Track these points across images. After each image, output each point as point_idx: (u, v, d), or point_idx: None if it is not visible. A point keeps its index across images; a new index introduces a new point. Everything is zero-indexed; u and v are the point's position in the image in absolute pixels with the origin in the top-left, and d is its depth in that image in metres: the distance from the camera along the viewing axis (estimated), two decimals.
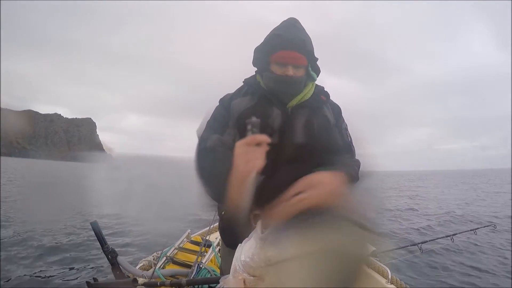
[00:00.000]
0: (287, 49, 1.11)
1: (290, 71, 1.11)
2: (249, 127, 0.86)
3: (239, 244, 0.87)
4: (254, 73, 1.26)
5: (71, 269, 4.62)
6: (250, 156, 0.85)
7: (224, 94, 1.26)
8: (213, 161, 1.03)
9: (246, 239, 0.88)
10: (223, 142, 1.10)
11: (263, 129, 0.91)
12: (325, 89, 1.26)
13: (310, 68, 1.17)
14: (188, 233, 3.23)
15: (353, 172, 1.07)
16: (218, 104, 1.24)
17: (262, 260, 0.78)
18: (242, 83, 1.27)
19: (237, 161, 0.86)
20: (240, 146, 0.87)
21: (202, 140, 1.13)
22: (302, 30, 1.16)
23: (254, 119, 0.86)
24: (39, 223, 7.03)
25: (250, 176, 0.84)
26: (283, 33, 1.12)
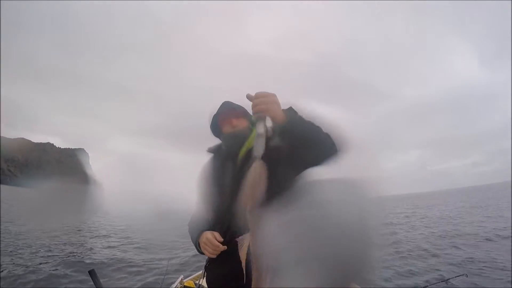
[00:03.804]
0: (221, 115, 1.47)
1: (232, 123, 1.42)
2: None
3: None
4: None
5: None
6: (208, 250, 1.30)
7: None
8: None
9: None
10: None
11: (220, 182, 1.31)
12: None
13: (248, 115, 1.46)
14: (181, 279, 3.31)
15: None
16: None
17: None
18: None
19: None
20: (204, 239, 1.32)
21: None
22: (229, 101, 1.50)
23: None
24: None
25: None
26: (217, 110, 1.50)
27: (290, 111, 1.11)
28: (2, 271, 6.08)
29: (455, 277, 3.70)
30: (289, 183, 1.09)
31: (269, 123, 1.06)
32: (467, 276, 3.78)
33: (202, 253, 1.37)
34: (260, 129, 1.02)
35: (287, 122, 1.06)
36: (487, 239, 10.15)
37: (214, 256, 1.29)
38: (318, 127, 1.14)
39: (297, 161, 1.16)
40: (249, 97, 1.07)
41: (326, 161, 1.17)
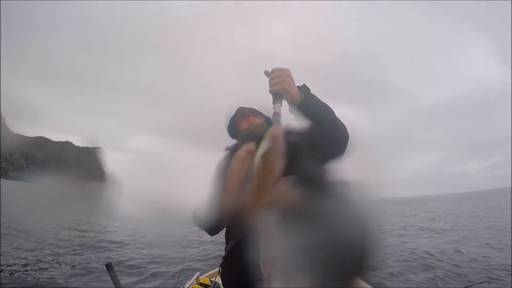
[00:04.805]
0: (237, 114, 1.46)
1: (249, 119, 1.43)
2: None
3: None
4: None
5: None
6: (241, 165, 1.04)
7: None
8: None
9: None
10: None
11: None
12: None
13: (264, 116, 1.46)
14: (197, 275, 3.32)
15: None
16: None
17: None
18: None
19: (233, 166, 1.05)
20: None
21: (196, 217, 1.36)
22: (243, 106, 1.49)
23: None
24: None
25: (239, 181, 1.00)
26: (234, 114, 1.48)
27: (304, 87, 1.19)
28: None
29: (478, 283, 3.56)
30: (308, 175, 1.10)
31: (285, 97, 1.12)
32: (489, 283, 3.63)
33: (213, 227, 1.31)
34: (277, 98, 1.08)
35: (303, 98, 1.14)
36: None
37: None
38: (330, 108, 1.22)
39: (314, 145, 1.20)
40: (266, 73, 1.14)
41: (340, 147, 1.21)
